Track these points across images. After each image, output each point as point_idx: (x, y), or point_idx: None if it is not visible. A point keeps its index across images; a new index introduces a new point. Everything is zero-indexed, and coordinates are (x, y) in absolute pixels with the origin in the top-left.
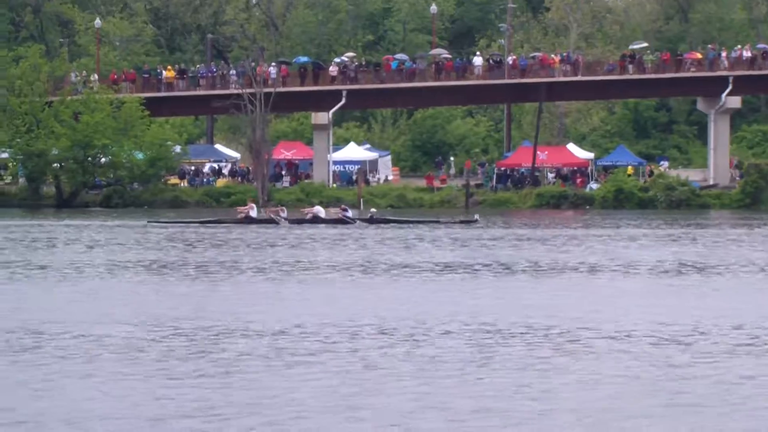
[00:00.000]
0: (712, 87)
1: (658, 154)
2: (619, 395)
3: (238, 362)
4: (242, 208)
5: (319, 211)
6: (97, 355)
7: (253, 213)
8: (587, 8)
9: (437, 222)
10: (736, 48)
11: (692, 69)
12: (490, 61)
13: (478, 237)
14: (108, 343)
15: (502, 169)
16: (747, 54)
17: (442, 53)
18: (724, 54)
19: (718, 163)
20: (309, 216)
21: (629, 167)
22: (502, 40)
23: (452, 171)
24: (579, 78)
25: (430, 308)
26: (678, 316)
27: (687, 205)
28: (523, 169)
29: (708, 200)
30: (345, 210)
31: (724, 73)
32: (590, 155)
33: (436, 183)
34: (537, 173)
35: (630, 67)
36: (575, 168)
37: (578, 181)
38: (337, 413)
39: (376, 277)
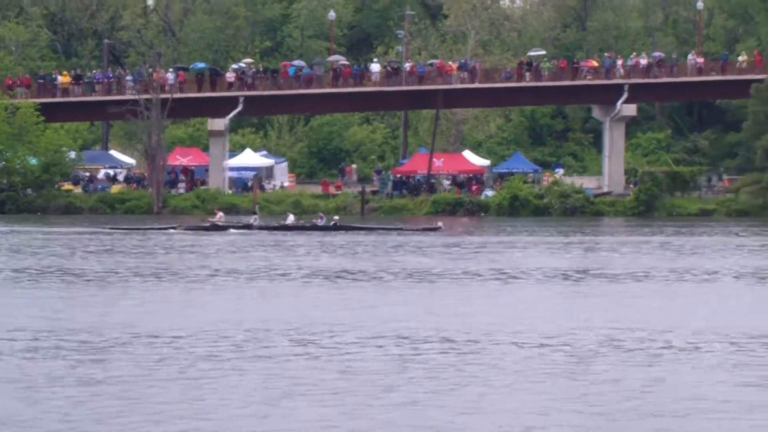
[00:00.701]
0: (608, 95)
1: (553, 162)
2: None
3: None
4: (213, 218)
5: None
6: None
7: (221, 221)
8: (485, 15)
9: (401, 229)
10: (631, 56)
11: (588, 77)
12: (388, 67)
13: (432, 244)
14: None
15: (398, 175)
16: (643, 62)
17: (340, 60)
18: (620, 62)
19: (612, 171)
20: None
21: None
22: (400, 47)
23: (355, 177)
24: (476, 85)
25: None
26: (570, 323)
27: (581, 212)
28: (419, 176)
29: (602, 208)
30: (320, 218)
31: (620, 81)
32: (486, 162)
33: (332, 189)
34: (433, 180)
35: (527, 74)
36: (471, 175)
37: (474, 188)
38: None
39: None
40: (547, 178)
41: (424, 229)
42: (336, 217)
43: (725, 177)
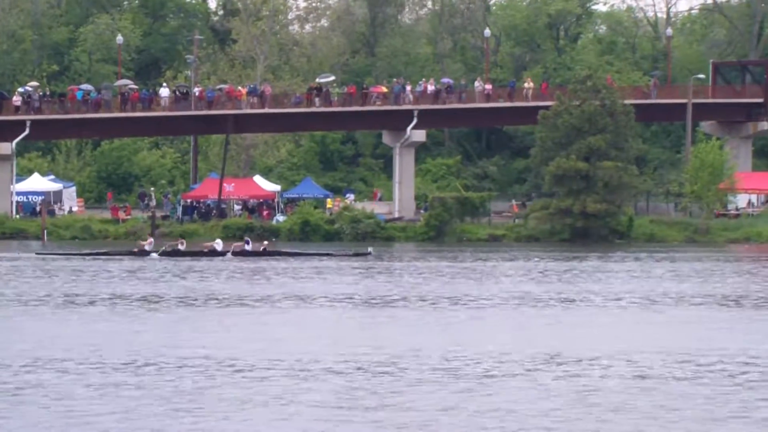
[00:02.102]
0: (398, 121)
1: (344, 187)
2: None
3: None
4: (207, 243)
5: (218, 244)
6: None
7: (218, 247)
8: (274, 41)
9: (330, 255)
10: (420, 82)
11: (378, 103)
12: (177, 92)
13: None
14: None
15: (189, 200)
16: (431, 88)
17: (128, 84)
18: (409, 88)
19: (403, 196)
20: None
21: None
22: (189, 72)
23: (153, 203)
24: (266, 110)
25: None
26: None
27: (372, 237)
28: (209, 201)
29: (393, 233)
30: (247, 242)
31: (409, 107)
32: (277, 187)
33: (121, 215)
34: (223, 205)
35: (317, 99)
36: (262, 200)
37: (265, 213)
38: None
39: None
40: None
41: (355, 254)
42: (265, 242)
43: (514, 203)
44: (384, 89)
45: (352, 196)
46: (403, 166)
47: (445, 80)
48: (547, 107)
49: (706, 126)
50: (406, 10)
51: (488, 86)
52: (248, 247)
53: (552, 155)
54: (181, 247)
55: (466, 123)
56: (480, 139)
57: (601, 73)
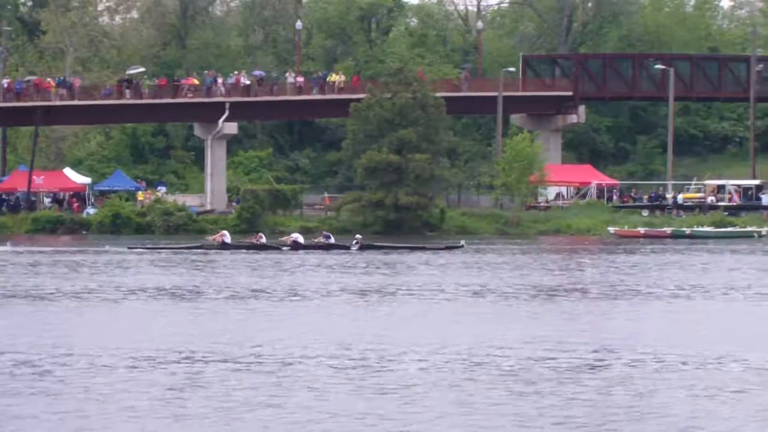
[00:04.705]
0: (209, 113)
1: (156, 179)
2: None
3: None
4: (215, 236)
5: (298, 237)
6: None
7: (227, 239)
8: (84, 33)
9: (423, 248)
10: (232, 74)
11: (189, 95)
12: None
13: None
14: None
15: None
16: (244, 81)
17: None
18: (220, 80)
19: (215, 189)
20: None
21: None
22: None
23: None
24: (76, 102)
25: None
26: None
27: (185, 230)
28: (18, 194)
29: (205, 225)
30: (328, 237)
31: (221, 99)
32: (87, 180)
33: None
34: (33, 198)
35: (127, 92)
36: (72, 193)
37: (75, 205)
38: None
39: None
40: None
41: (447, 248)
42: (358, 236)
43: (326, 195)
44: (195, 81)
45: (163, 189)
46: (215, 158)
47: (257, 72)
48: (358, 100)
49: (516, 119)
50: (217, 2)
51: (300, 79)
52: (331, 241)
53: (364, 148)
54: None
55: (277, 115)
56: (292, 132)
57: (413, 66)
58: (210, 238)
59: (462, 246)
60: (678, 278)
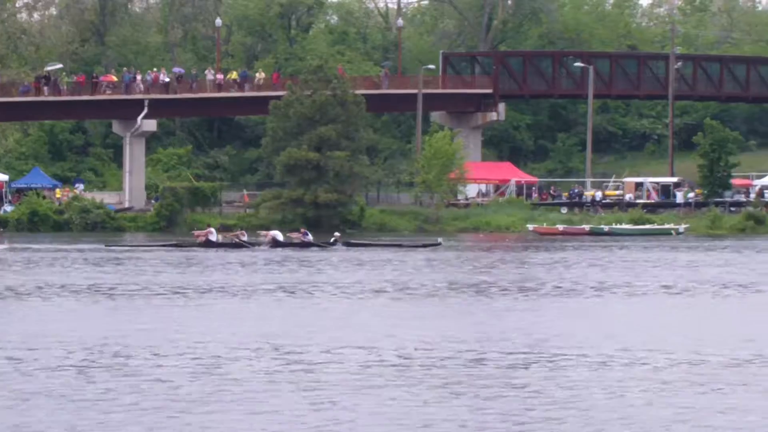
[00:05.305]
0: (128, 110)
1: (74, 177)
2: None
3: None
4: (200, 232)
5: (277, 234)
6: None
7: (213, 237)
8: (2, 29)
9: (400, 246)
10: (151, 71)
11: (108, 92)
12: None
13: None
14: None
15: None
16: (163, 78)
17: None
18: (139, 77)
19: (134, 186)
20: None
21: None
22: None
23: None
24: None
25: None
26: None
27: (103, 227)
28: None
29: (123, 223)
30: (306, 234)
31: (140, 96)
32: (5, 177)
33: None
34: None
35: (45, 88)
36: None
37: None
38: None
39: None
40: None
41: (425, 245)
42: (337, 234)
43: (245, 192)
44: (114, 78)
45: (81, 186)
46: (134, 155)
47: (177, 69)
48: (278, 97)
49: (436, 116)
50: None
51: (219, 76)
52: (309, 238)
53: (283, 145)
54: (243, 238)
55: (197, 113)
56: (212, 129)
57: (333, 63)
58: (195, 233)
59: (440, 244)
60: (594, 276)
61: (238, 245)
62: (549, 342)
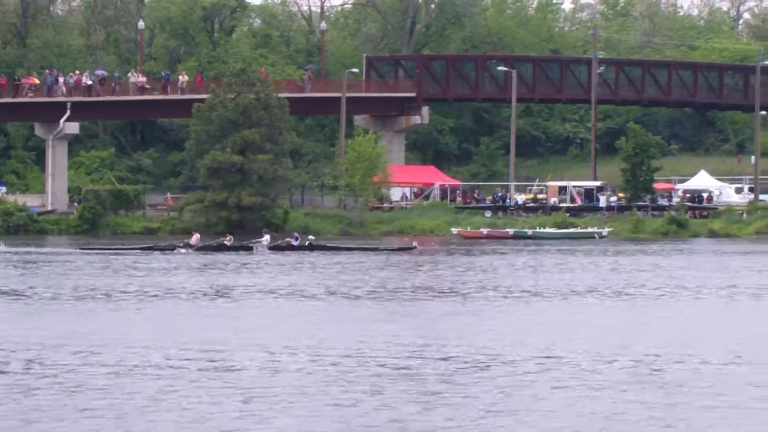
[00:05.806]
0: (50, 113)
1: None
2: None
3: None
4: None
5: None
6: None
7: (194, 241)
8: None
9: (375, 249)
10: (74, 74)
11: (30, 94)
12: None
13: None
14: None
15: None
16: (86, 81)
17: None
18: (62, 80)
19: (56, 189)
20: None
21: None
22: None
23: None
24: None
25: None
26: None
27: (25, 230)
28: None
29: (46, 226)
30: (296, 239)
31: (62, 99)
32: None
33: None
34: None
35: None
36: None
37: None
38: None
39: None
40: None
41: (399, 249)
42: (311, 237)
43: (169, 195)
44: (36, 81)
45: (3, 189)
46: (56, 158)
47: (99, 72)
48: (201, 100)
49: (360, 120)
50: (59, 1)
51: (142, 79)
52: (295, 242)
53: (207, 148)
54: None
55: (120, 115)
56: (134, 132)
57: (256, 67)
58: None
59: (415, 247)
60: (513, 279)
61: (227, 248)
62: (479, 345)
